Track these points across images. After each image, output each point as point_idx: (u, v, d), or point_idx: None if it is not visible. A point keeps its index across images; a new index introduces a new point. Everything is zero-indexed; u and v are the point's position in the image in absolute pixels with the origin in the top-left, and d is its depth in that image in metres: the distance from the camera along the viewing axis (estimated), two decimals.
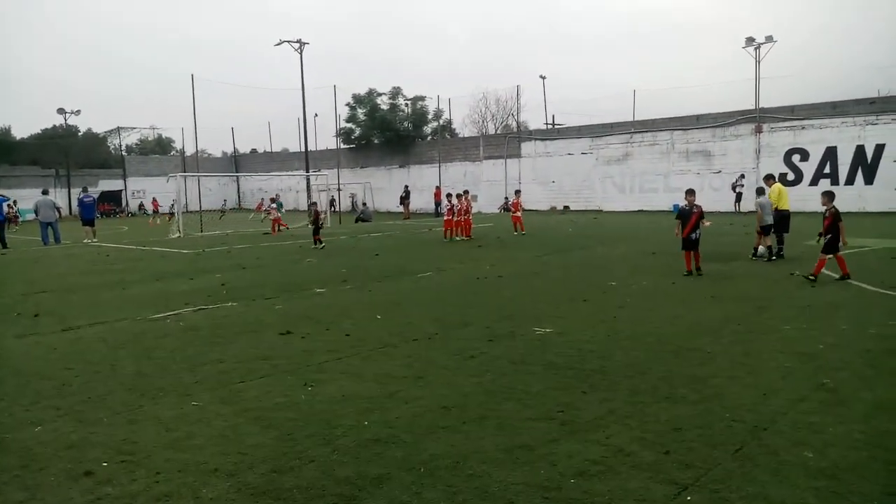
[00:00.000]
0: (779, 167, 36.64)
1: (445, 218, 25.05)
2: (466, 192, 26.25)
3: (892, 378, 6.50)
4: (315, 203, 27.26)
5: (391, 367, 7.35)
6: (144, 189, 63.21)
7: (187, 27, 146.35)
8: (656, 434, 5.23)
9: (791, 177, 36.32)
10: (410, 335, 8.88)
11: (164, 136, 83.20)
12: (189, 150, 66.38)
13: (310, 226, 24.17)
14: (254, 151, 77.12)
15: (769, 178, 17.02)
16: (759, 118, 37.56)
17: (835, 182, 34.91)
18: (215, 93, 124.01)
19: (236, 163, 72.51)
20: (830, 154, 35.10)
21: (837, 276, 12.47)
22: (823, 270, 12.54)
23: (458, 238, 24.18)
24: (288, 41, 44.14)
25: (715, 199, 38.42)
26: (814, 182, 35.63)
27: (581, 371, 7.04)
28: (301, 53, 43.93)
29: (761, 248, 16.03)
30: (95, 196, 34.23)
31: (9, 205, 33.16)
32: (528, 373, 7.03)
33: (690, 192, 14.24)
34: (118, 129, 68.78)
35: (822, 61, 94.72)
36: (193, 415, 5.97)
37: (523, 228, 25.78)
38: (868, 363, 7.03)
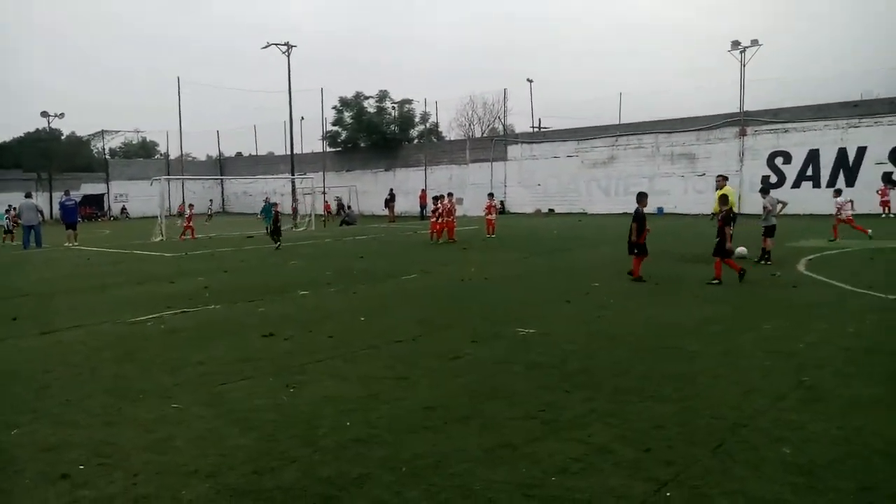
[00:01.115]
0: (762, 170, 37.05)
1: (431, 220, 25.16)
2: (450, 194, 26.28)
3: (869, 376, 6.57)
4: (276, 204, 28.04)
5: (374, 369, 7.33)
6: (127, 193, 62.70)
7: (174, 30, 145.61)
8: (637, 432, 5.25)
9: (774, 179, 36.66)
10: (394, 337, 8.86)
11: (148, 140, 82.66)
12: (174, 154, 66.05)
13: (270, 227, 24.68)
14: (239, 155, 76.74)
15: (721, 179, 16.77)
16: (743, 121, 37.89)
17: (816, 184, 35.32)
18: (201, 96, 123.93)
19: (221, 166, 72.10)
20: (813, 157, 35.47)
21: (714, 280, 12.52)
22: (803, 271, 12.65)
23: (441, 240, 24.20)
24: (275, 44, 44.07)
25: (699, 201, 38.66)
26: (796, 184, 36.01)
27: (564, 371, 7.05)
28: (288, 56, 43.86)
29: (741, 250, 16.15)
30: (77, 199, 33.96)
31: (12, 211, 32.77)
32: (512, 373, 7.03)
33: (643, 196, 13.98)
34: (102, 132, 68.22)
35: (806, 66, 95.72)
36: (173, 417, 5.93)
37: (493, 232, 26.03)
38: (847, 361, 7.10)
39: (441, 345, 8.38)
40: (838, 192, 21.80)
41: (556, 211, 44.76)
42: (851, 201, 21.66)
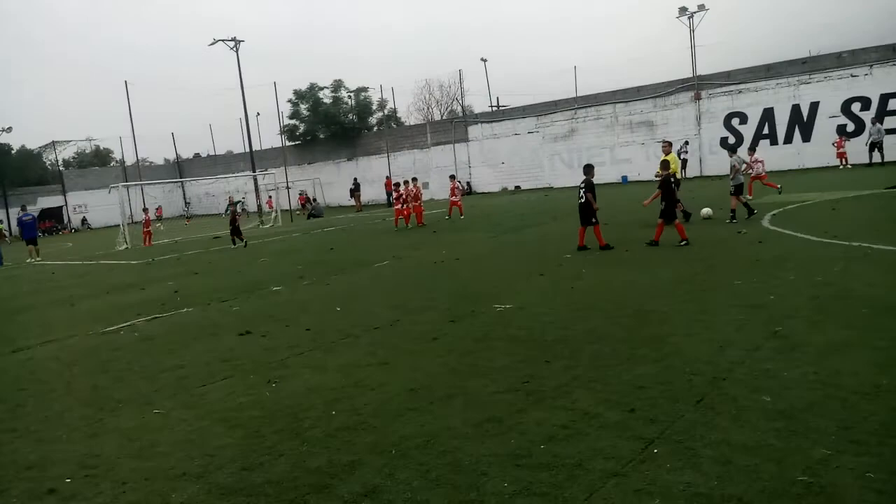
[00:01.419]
0: (720, 132, 37.50)
1: (395, 207, 25.00)
2: (415, 179, 26.20)
3: (839, 321, 6.73)
4: (235, 204, 27.77)
5: (355, 357, 7.32)
6: (86, 203, 61.38)
7: (118, 33, 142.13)
8: (620, 394, 5.32)
9: (732, 140, 37.17)
10: (372, 324, 8.84)
11: (101, 148, 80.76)
12: (129, 160, 64.74)
13: (230, 226, 24.57)
14: (197, 156, 75.50)
15: (666, 145, 17.02)
16: (697, 85, 38.26)
17: (774, 142, 35.86)
18: (152, 99, 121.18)
19: (179, 168, 70.88)
20: (768, 115, 35.97)
21: (680, 243, 12.75)
22: (768, 226, 12.87)
23: (410, 226, 24.16)
24: (223, 40, 43.21)
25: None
26: (754, 144, 36.52)
27: (543, 342, 7.11)
28: (237, 52, 43.08)
29: (706, 210, 16.41)
30: (35, 214, 33.16)
31: None
32: (492, 349, 7.08)
33: (591, 168, 14.16)
34: (53, 143, 66.53)
35: (754, 26, 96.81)
36: (156, 423, 5.86)
37: (452, 213, 25.91)
38: (816, 309, 7.27)
39: (419, 327, 8.39)
40: (753, 150, 22.37)
41: (523, 187, 44.89)
42: (762, 162, 22.23)
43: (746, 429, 4.43)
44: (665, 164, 14.21)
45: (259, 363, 7.44)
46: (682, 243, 12.64)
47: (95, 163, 77.13)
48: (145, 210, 31.87)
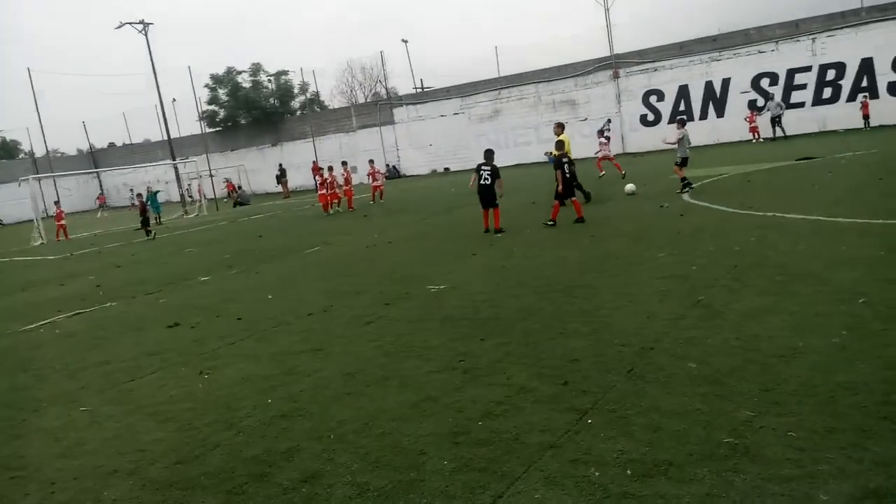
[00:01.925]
0: (639, 109, 38.52)
1: (319, 192, 24.71)
2: (345, 163, 25.91)
3: (756, 288, 7.05)
4: (141, 195, 27.12)
5: (288, 344, 7.23)
6: None
7: (19, 19, 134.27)
8: (553, 368, 5.45)
9: (651, 117, 38.25)
10: (304, 311, 8.74)
11: (8, 140, 76.54)
12: (39, 151, 61.55)
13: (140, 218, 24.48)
14: (112, 145, 72.42)
15: (559, 126, 17.05)
16: (614, 64, 39.09)
17: (690, 118, 37.02)
18: (59, 88, 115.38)
19: (94, 159, 67.86)
20: (683, 92, 37.13)
21: (549, 222, 13.39)
22: (688, 200, 13.34)
23: (336, 210, 24.01)
24: (130, 23, 41.42)
25: (585, 145, 39.78)
26: (671, 120, 37.61)
27: (476, 321, 7.19)
28: (146, 35, 41.40)
29: (630, 186, 16.87)
30: None
31: None
32: (426, 329, 7.11)
33: (491, 153, 14.12)
34: None
35: (665, 4, 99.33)
36: (83, 420, 5.66)
37: (382, 197, 25.82)
38: (735, 277, 7.59)
39: (352, 312, 8.34)
40: (601, 133, 23.41)
41: (452, 169, 45.00)
42: (607, 140, 23.40)
43: (675, 395, 4.61)
44: (560, 145, 14.51)
45: (189, 355, 7.26)
46: (549, 223, 13.24)
47: (2, 155, 73.07)
48: (56, 203, 30.34)
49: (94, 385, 6.62)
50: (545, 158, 21.52)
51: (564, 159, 13.72)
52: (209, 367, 6.72)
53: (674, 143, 16.66)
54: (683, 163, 16.37)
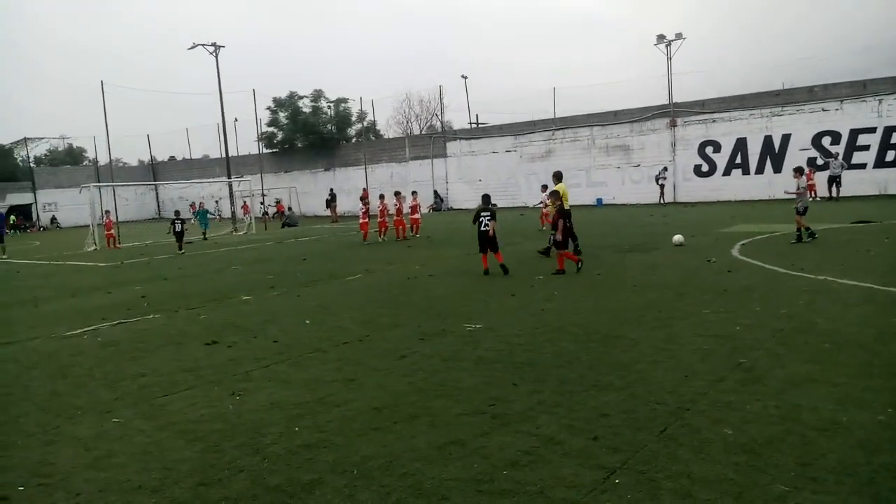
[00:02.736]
0: (693, 159, 38.12)
1: (361, 221, 24.59)
2: (397, 192, 25.76)
3: (801, 355, 6.82)
4: (178, 211, 28.09)
5: (321, 372, 7.26)
6: (56, 201, 60.41)
7: (96, 34, 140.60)
8: (584, 421, 5.34)
9: (705, 168, 37.78)
10: (340, 339, 8.79)
11: (75, 146, 79.64)
12: (102, 160, 63.80)
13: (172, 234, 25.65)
14: (172, 159, 74.74)
15: (556, 176, 17.31)
16: (672, 113, 38.86)
17: (746, 172, 36.50)
18: (128, 101, 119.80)
19: (154, 171, 70.12)
20: (741, 145, 36.63)
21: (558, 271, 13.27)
22: (737, 256, 13.06)
23: (383, 240, 24.06)
24: (202, 44, 42.86)
25: (635, 190, 39.62)
26: (727, 172, 37.13)
27: (511, 364, 7.12)
28: (217, 57, 42.78)
29: (678, 237, 16.61)
30: (3, 211, 32.48)
31: None
32: (460, 369, 7.06)
33: (488, 198, 14.38)
34: (25, 139, 65.45)
35: (729, 58, 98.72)
36: (114, 432, 5.75)
37: (417, 231, 25.31)
38: (780, 342, 7.36)
39: (388, 344, 8.35)
40: (544, 188, 23.22)
41: (499, 205, 45.05)
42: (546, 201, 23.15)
43: (707, 462, 4.47)
44: (556, 195, 14.48)
45: (223, 374, 7.34)
46: (558, 272, 13.19)
47: (68, 161, 76.02)
48: (107, 213, 31.29)
49: (130, 397, 6.73)
50: (540, 206, 22.06)
51: (563, 209, 13.81)
52: (241, 388, 6.78)
53: (795, 193, 16.15)
54: (804, 212, 15.90)
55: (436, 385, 6.55)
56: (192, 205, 34.82)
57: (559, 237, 13.42)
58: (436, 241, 23.00)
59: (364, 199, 25.20)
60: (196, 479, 4.68)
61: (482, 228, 13.78)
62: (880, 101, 32.64)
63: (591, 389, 6.12)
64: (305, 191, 54.47)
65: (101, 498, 4.49)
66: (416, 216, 25.80)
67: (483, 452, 4.84)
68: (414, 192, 26.50)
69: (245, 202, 42.77)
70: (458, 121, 60.70)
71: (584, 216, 30.63)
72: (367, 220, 24.44)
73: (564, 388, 6.19)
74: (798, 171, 16.74)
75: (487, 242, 13.81)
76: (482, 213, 13.81)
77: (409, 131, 69.14)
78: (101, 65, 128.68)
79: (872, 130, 32.78)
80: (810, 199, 15.25)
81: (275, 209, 50.58)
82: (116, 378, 7.46)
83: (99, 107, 41.95)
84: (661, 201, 37.46)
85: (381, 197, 25.17)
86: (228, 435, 5.49)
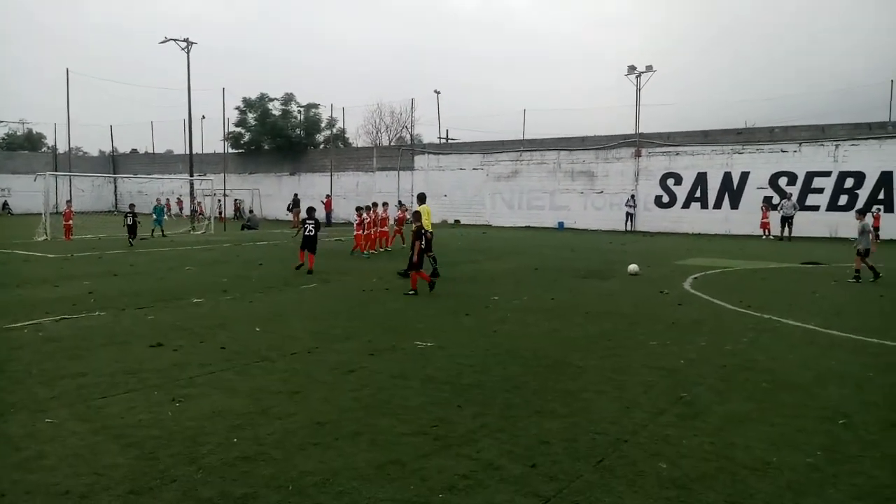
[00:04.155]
0: (655, 189, 38.85)
1: (356, 233, 22.74)
2: (385, 203, 25.17)
3: (741, 392, 6.98)
4: (133, 205, 28.92)
5: (267, 382, 7.18)
6: (9, 187, 58.75)
7: (64, 21, 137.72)
8: (525, 447, 5.37)
9: (666, 199, 38.51)
10: (289, 348, 8.70)
11: (34, 132, 77.72)
12: (62, 148, 62.36)
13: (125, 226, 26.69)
14: (134, 152, 73.39)
15: (420, 197, 18.34)
16: (638, 143, 39.58)
17: (704, 206, 37.31)
18: (94, 89, 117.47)
19: (114, 163, 68.68)
20: (701, 179, 37.47)
21: (410, 292, 13.58)
22: (688, 289, 13.31)
23: (379, 251, 23.20)
24: (174, 39, 42.37)
25: (597, 217, 40.18)
26: (686, 205, 37.91)
27: (458, 385, 7.13)
28: (188, 53, 42.30)
29: (633, 267, 16.87)
30: None
31: None
32: (407, 387, 7.05)
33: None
34: None
35: (695, 93, 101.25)
36: (47, 433, 5.59)
37: (388, 244, 24.76)
38: (722, 378, 7.52)
39: (337, 357, 8.30)
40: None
41: (462, 222, 45.26)
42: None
43: (640, 495, 4.53)
44: (417, 216, 14.70)
45: (166, 378, 7.21)
46: (410, 293, 13.46)
47: (26, 147, 74.09)
48: (68, 202, 30.50)
49: (66, 397, 6.56)
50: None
51: (424, 231, 14.05)
52: (183, 394, 6.67)
53: (862, 236, 16.03)
54: (866, 254, 15.92)
55: (381, 402, 6.52)
56: (158, 200, 34.03)
57: (415, 258, 13.68)
58: (395, 254, 22.94)
59: (360, 208, 23.40)
60: (126, 486, 4.58)
61: (307, 233, 16.58)
62: (836, 146, 33.74)
63: (534, 416, 6.17)
64: (269, 193, 53.94)
65: (27, 500, 4.36)
66: (390, 228, 25.24)
67: (422, 474, 4.84)
68: (385, 203, 25.73)
69: (197, 203, 42.45)
70: (428, 135, 60.83)
71: (545, 239, 30.99)
72: (361, 231, 22.72)
73: (509, 413, 6.23)
74: (860, 213, 16.96)
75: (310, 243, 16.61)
76: (307, 221, 16.78)
77: (378, 141, 69.04)
78: (69, 51, 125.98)
79: (827, 174, 33.85)
80: (859, 243, 15.27)
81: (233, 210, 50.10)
82: (54, 376, 7.27)
83: (62, 93, 41.09)
84: (627, 228, 38.01)
85: (374, 206, 23.91)
86: (165, 442, 5.39)
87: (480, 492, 4.57)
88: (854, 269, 16.00)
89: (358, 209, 23.08)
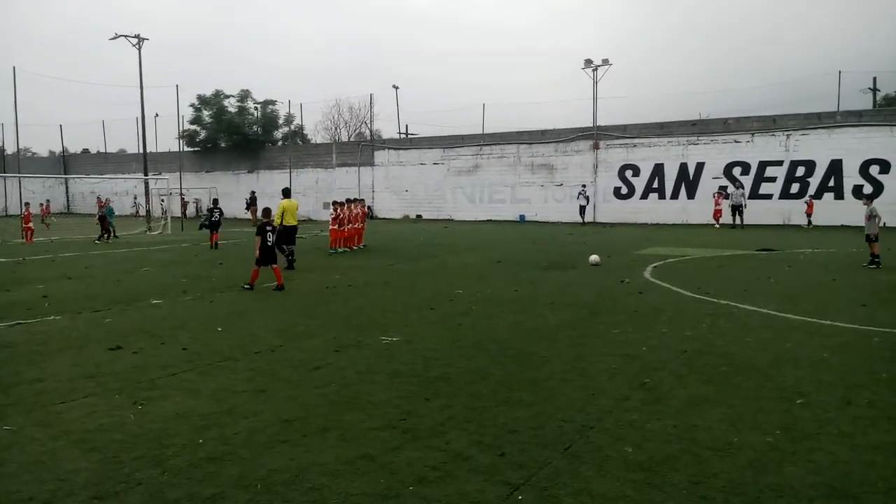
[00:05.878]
0: (613, 181, 39.36)
1: (332, 228, 22.13)
2: (362, 200, 24.59)
3: (701, 376, 7.14)
4: (108, 199, 29.97)
5: (231, 382, 7.09)
6: None
7: (11, 17, 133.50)
8: (493, 437, 5.42)
9: (625, 191, 39.06)
10: (253, 348, 8.62)
11: None
12: (10, 149, 60.51)
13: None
14: (86, 152, 71.58)
15: (284, 192, 19.05)
16: (596, 135, 40.04)
17: (661, 196, 37.94)
18: (43, 87, 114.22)
19: (65, 163, 66.95)
20: (658, 170, 38.09)
21: (246, 286, 13.72)
22: (649, 278, 13.53)
23: (342, 249, 22.40)
24: (125, 35, 41.39)
25: (557, 209, 40.55)
26: (644, 196, 38.51)
27: (425, 378, 7.15)
28: (140, 49, 41.36)
29: (594, 258, 17.09)
30: None
31: None
32: (373, 382, 7.04)
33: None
34: None
35: (651, 86, 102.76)
36: (5, 440, 5.45)
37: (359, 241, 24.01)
38: (683, 363, 7.68)
39: (302, 354, 8.24)
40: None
41: (424, 217, 45.27)
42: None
43: (608, 479, 4.61)
44: (266, 212, 14.77)
45: (126, 382, 7.07)
46: (277, 288, 13.50)
47: None
48: (27, 205, 29.67)
49: (24, 403, 6.40)
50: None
51: (268, 227, 13.91)
52: (145, 397, 6.55)
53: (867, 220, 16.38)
54: (874, 238, 16.20)
55: (348, 398, 6.50)
56: (107, 200, 33.21)
57: (257, 254, 13.66)
58: (358, 250, 22.84)
59: (336, 203, 22.66)
60: (91, 491, 4.49)
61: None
62: (788, 136, 34.61)
63: (501, 405, 6.22)
64: (227, 192, 53.13)
65: None
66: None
67: (391, 468, 4.85)
68: (362, 200, 25.25)
69: (148, 201, 41.80)
70: (388, 130, 60.94)
71: (506, 232, 31.20)
72: (335, 227, 22.09)
73: (476, 404, 6.27)
74: (868, 199, 17.21)
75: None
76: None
77: (337, 137, 68.59)
78: (15, 47, 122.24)
79: (780, 164, 34.72)
80: (868, 228, 15.59)
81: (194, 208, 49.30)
82: (11, 382, 7.07)
83: (9, 92, 39.66)
84: (583, 220, 38.32)
85: (346, 201, 23.31)
86: (128, 446, 5.29)
87: (450, 482, 4.60)
88: (871, 254, 16.29)
89: (333, 204, 22.59)
